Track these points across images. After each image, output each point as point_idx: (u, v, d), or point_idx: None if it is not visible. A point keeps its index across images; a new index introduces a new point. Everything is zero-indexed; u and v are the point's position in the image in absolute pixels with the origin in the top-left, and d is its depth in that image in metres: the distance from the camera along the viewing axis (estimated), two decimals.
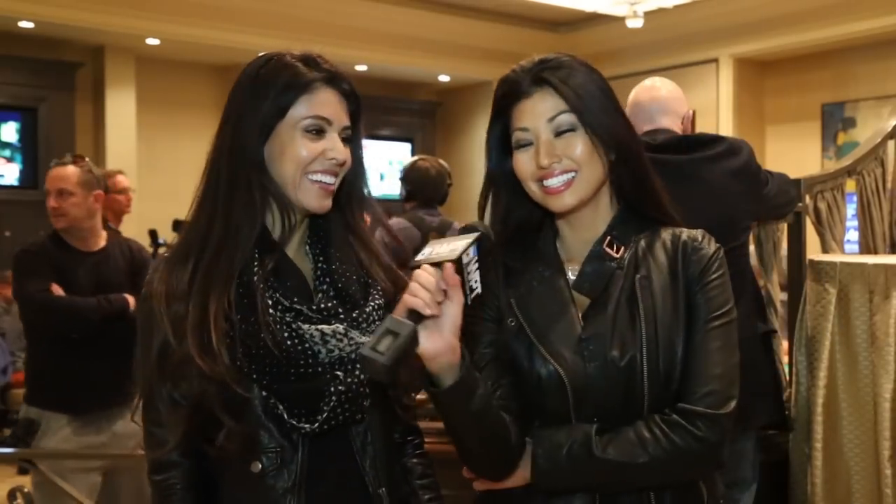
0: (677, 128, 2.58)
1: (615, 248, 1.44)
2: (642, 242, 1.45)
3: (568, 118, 1.40)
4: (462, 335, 1.30)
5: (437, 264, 1.28)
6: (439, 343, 1.25)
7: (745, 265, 2.52)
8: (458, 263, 1.28)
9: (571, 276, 1.46)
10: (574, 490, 1.40)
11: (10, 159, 7.95)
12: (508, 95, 1.44)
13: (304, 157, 1.44)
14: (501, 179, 1.48)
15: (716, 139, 2.52)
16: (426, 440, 1.63)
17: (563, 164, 1.39)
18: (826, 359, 2.34)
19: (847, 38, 7.98)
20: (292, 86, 1.44)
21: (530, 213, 1.48)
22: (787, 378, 2.69)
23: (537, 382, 1.41)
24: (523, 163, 1.42)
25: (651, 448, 1.34)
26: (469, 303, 1.31)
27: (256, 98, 1.44)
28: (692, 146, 2.46)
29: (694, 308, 1.40)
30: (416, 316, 1.23)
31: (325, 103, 1.45)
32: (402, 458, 1.58)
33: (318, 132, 1.45)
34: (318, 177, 1.45)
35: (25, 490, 3.12)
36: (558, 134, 1.40)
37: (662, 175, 1.50)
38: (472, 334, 1.46)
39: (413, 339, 1.23)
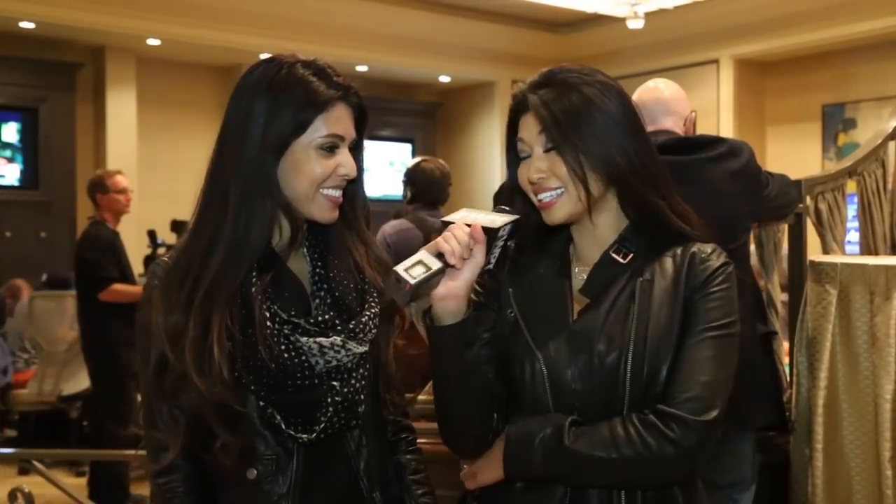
0: (680, 129, 2.59)
1: (622, 255, 1.45)
2: (652, 252, 1.46)
3: (549, 137, 1.42)
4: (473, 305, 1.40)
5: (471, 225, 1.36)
6: (450, 289, 1.36)
7: (745, 266, 2.52)
8: (493, 233, 1.37)
9: (577, 277, 1.48)
10: (543, 480, 1.40)
11: (10, 160, 7.95)
12: (514, 110, 1.48)
13: (318, 175, 1.44)
14: (517, 187, 1.50)
15: (716, 140, 2.52)
16: (424, 440, 1.65)
17: (551, 182, 1.42)
18: (827, 360, 2.35)
19: (847, 39, 7.98)
20: (310, 104, 1.43)
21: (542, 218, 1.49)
22: (788, 379, 2.69)
23: (521, 372, 1.44)
24: (522, 174, 1.47)
25: (622, 445, 1.34)
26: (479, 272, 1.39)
27: (270, 112, 1.43)
28: (693, 147, 2.46)
29: (691, 317, 1.40)
30: (443, 260, 1.34)
31: (340, 120, 1.46)
32: (396, 454, 1.59)
33: (331, 149, 1.45)
34: (329, 191, 1.46)
35: (26, 490, 3.12)
36: (547, 150, 1.43)
37: None
38: (477, 319, 1.48)
39: (438, 277, 1.34)
